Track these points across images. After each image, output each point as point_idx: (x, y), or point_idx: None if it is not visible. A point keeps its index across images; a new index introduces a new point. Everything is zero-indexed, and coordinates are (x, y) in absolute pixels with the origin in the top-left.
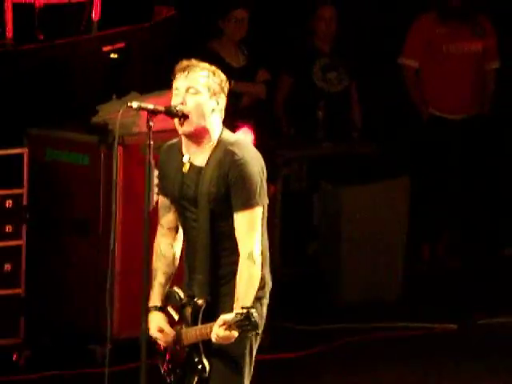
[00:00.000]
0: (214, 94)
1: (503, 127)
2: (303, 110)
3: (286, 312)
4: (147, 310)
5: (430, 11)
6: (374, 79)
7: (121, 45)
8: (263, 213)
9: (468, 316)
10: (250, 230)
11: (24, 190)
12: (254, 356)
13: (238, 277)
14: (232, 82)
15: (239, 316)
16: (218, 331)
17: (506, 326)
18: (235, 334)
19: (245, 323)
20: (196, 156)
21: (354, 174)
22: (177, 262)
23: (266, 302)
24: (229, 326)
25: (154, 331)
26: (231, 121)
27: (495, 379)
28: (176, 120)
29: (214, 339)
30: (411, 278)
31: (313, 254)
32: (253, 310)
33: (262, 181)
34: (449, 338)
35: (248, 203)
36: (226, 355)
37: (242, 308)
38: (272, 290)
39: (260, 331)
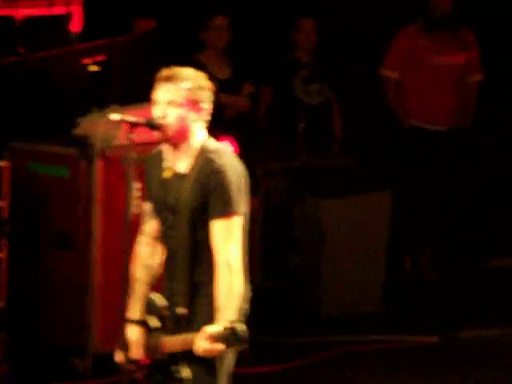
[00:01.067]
0: (196, 104)
1: (485, 140)
2: (284, 122)
3: (268, 326)
4: (125, 322)
5: (413, 22)
6: (354, 91)
7: (101, 57)
8: (243, 223)
9: (449, 328)
10: (227, 239)
11: (5, 203)
12: (229, 362)
13: (216, 287)
14: (220, 94)
15: (225, 330)
16: (201, 344)
17: (486, 339)
18: (220, 347)
19: (231, 338)
20: (178, 163)
21: (335, 186)
22: (159, 272)
23: (244, 311)
24: (213, 339)
25: (129, 344)
26: (213, 133)
27: None
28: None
29: (196, 351)
30: (393, 290)
31: (294, 267)
32: (238, 325)
33: (241, 190)
34: (430, 350)
35: (225, 211)
36: (199, 362)
37: (229, 322)
38: (253, 303)
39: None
